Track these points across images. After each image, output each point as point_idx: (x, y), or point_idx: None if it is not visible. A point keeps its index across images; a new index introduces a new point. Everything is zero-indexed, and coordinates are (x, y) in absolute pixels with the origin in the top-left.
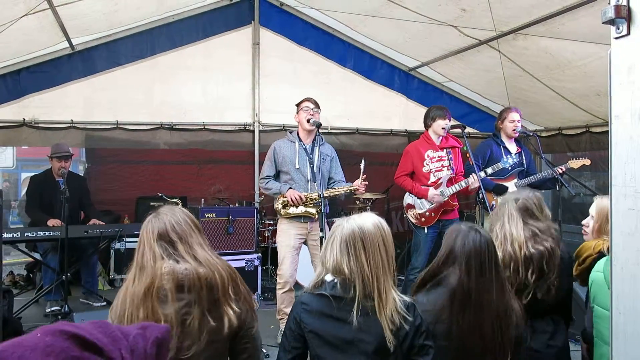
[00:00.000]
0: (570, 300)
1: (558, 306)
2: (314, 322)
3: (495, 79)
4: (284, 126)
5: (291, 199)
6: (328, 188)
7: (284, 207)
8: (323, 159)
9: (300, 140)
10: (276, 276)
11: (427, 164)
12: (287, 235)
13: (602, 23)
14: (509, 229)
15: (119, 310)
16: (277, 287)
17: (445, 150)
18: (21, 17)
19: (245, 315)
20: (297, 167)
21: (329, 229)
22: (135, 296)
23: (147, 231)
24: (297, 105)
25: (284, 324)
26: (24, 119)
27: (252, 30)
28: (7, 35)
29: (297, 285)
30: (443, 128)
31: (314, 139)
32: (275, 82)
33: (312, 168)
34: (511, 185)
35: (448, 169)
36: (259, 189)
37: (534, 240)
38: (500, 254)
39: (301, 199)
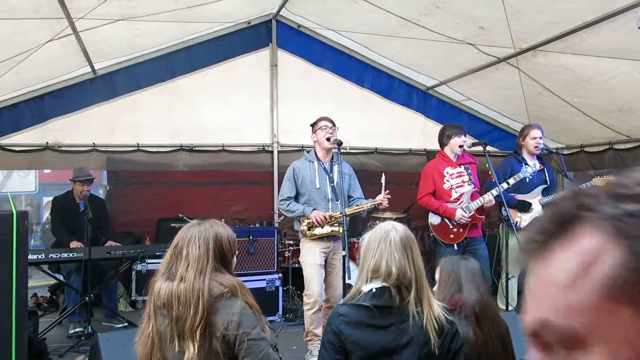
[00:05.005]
0: None
1: None
2: (355, 333)
3: (515, 97)
4: (302, 147)
5: (316, 220)
6: (350, 205)
7: (309, 228)
8: (342, 177)
9: (318, 159)
10: (301, 297)
11: (448, 181)
12: (312, 253)
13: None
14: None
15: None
16: (305, 307)
17: (463, 166)
18: (45, 42)
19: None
20: (317, 186)
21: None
22: (148, 297)
23: (176, 236)
24: (313, 125)
25: (314, 346)
26: (47, 143)
27: (270, 52)
28: (32, 60)
29: None
30: (460, 146)
31: (332, 158)
32: (294, 103)
33: (332, 187)
34: (535, 202)
35: (469, 184)
36: (278, 210)
37: None
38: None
39: (326, 219)
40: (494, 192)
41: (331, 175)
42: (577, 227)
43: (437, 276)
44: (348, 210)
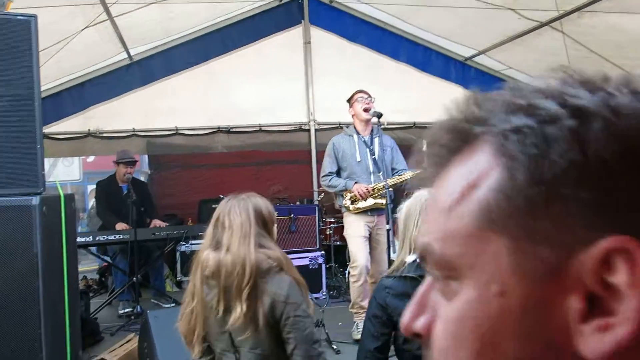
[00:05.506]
0: None
1: None
2: (402, 305)
3: (558, 63)
4: (339, 124)
5: (359, 193)
6: (393, 176)
7: (352, 202)
8: (384, 149)
9: (357, 133)
10: (344, 274)
11: None
12: (356, 226)
13: None
14: None
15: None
16: (352, 280)
17: None
18: (82, 29)
19: (272, 308)
20: (358, 160)
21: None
22: (192, 272)
23: (215, 211)
24: (349, 100)
25: (360, 319)
26: (89, 130)
27: (303, 29)
28: (70, 48)
29: None
30: None
31: (372, 131)
32: (329, 80)
33: (374, 159)
34: None
35: None
36: (319, 187)
37: None
38: None
39: (369, 192)
40: None
41: (372, 147)
42: (472, 143)
43: None
44: (390, 181)
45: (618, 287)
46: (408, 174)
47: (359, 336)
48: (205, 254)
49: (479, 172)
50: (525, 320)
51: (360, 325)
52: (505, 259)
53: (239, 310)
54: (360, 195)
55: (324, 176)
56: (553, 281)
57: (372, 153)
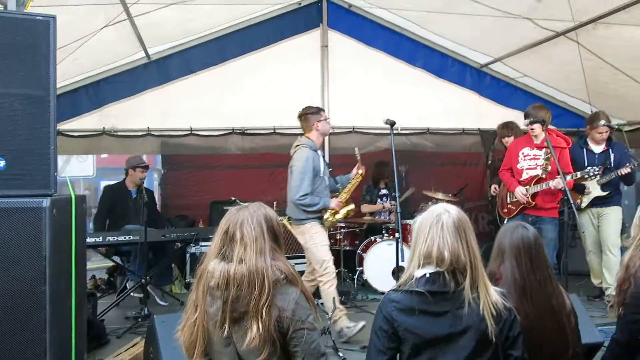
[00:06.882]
0: None
1: None
2: (408, 320)
3: (574, 73)
4: (353, 128)
5: (337, 207)
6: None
7: (333, 215)
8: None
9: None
10: (353, 280)
11: (521, 161)
12: (323, 235)
13: None
14: None
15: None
16: (327, 285)
17: (544, 149)
18: (101, 28)
19: (284, 322)
20: (323, 177)
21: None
22: (195, 282)
23: (222, 222)
24: (309, 113)
25: (346, 319)
26: (103, 128)
27: (321, 32)
28: (88, 46)
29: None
30: (532, 129)
31: None
32: (345, 84)
33: (328, 174)
34: (592, 184)
35: (541, 168)
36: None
37: None
38: None
39: (342, 204)
40: (552, 184)
41: (326, 161)
42: None
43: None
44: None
45: None
46: (354, 179)
47: (355, 330)
48: (212, 266)
49: None
50: None
51: (351, 323)
52: None
53: (255, 329)
54: (338, 209)
55: (303, 195)
56: None
57: (328, 166)
